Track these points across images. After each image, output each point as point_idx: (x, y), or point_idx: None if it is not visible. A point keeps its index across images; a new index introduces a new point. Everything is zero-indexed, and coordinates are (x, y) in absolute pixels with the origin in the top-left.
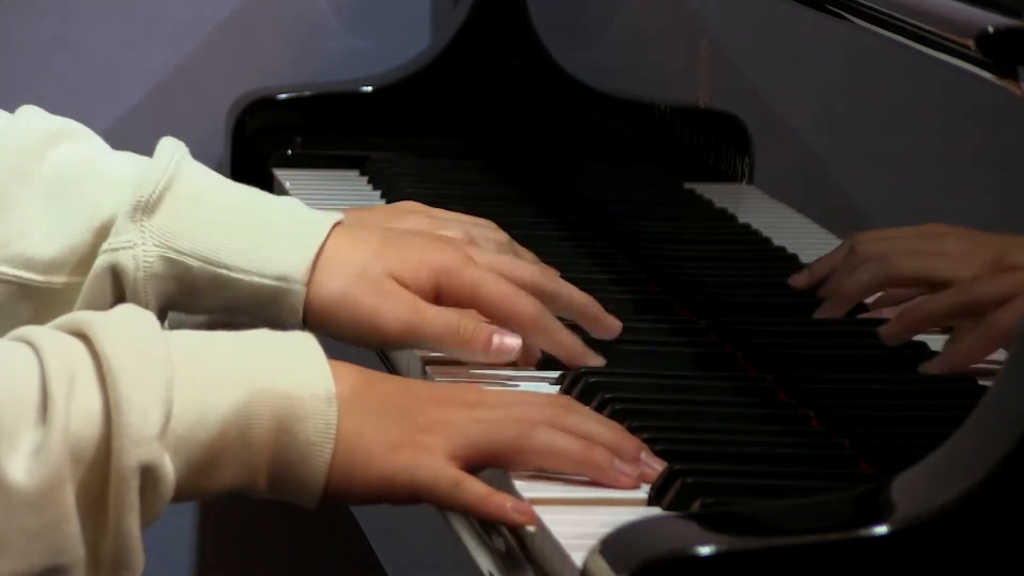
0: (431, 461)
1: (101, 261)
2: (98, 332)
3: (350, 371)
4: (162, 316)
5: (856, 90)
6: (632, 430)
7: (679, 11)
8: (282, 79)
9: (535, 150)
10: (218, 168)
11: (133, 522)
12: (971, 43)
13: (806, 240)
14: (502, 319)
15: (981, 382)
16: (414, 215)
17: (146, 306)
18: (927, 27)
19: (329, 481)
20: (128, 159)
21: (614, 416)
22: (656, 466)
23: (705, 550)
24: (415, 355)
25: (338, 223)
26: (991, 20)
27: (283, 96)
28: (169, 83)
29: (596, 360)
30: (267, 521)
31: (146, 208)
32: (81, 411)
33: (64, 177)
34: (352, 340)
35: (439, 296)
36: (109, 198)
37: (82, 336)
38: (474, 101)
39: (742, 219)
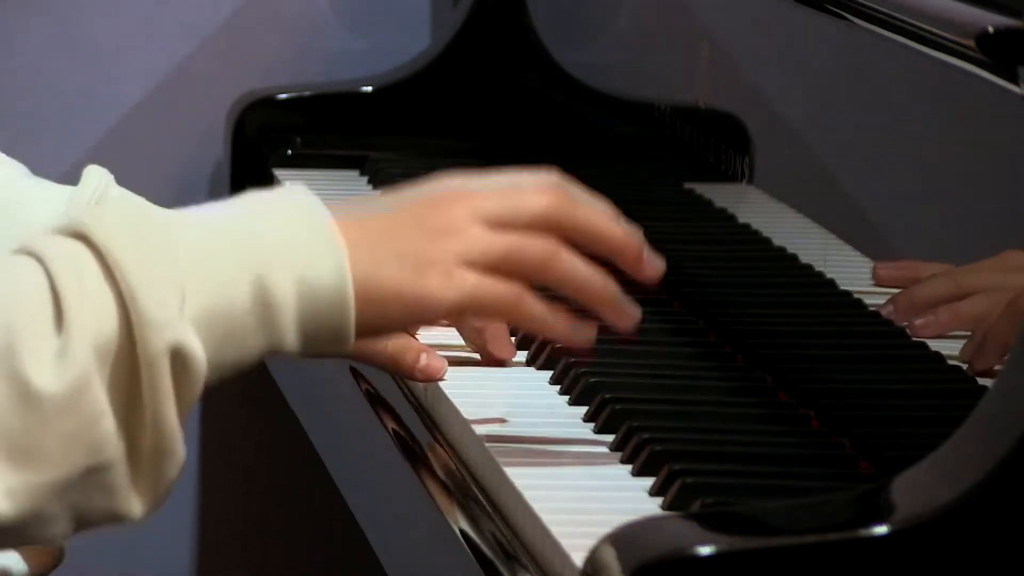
0: (469, 276)
1: None
2: (94, 229)
3: (346, 210)
4: None
5: (856, 90)
6: (632, 430)
7: (679, 11)
8: (282, 79)
9: (535, 150)
10: (218, 168)
11: (170, 408)
12: (971, 43)
13: (806, 240)
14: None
15: (981, 382)
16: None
17: None
18: (927, 27)
19: (360, 318)
20: (50, 184)
21: (614, 416)
22: (657, 264)
23: (705, 550)
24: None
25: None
26: (991, 20)
27: (283, 96)
28: (169, 83)
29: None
30: (267, 521)
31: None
32: (96, 309)
33: None
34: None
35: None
36: (42, 216)
37: (80, 236)
38: (474, 101)
39: (742, 219)
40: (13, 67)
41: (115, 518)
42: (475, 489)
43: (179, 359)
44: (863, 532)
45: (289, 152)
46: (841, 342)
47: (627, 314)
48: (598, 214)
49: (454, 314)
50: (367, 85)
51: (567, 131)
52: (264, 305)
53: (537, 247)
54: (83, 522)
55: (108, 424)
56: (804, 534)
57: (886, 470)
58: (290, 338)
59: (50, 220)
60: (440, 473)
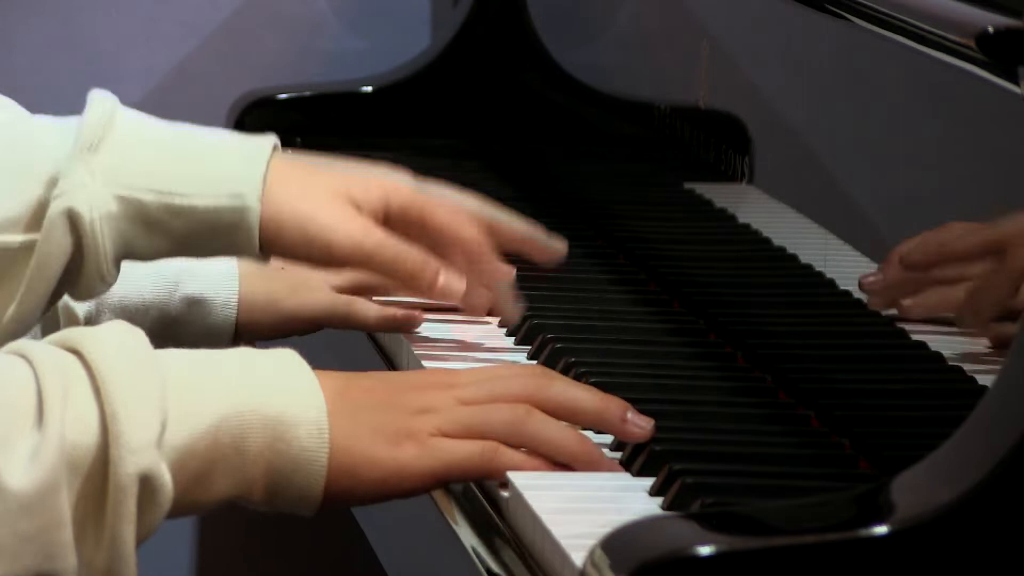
0: (443, 442)
1: (55, 207)
2: (89, 345)
3: (330, 376)
4: (118, 261)
5: (856, 90)
6: None
7: (679, 11)
8: (282, 79)
9: (535, 150)
10: None
11: (129, 533)
12: (971, 43)
13: (806, 240)
14: (447, 242)
15: (981, 382)
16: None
17: (103, 252)
18: (927, 27)
19: (330, 484)
20: (57, 119)
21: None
22: (644, 424)
23: (705, 550)
24: (413, 353)
25: (276, 146)
26: (991, 20)
27: (283, 96)
28: (169, 83)
29: (516, 310)
30: (267, 521)
31: (90, 148)
32: (77, 420)
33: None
34: (301, 257)
35: (387, 218)
36: (52, 149)
37: (74, 351)
38: (474, 101)
39: (742, 219)
40: (13, 67)
41: None
42: (475, 489)
43: (148, 486)
44: (863, 532)
45: (289, 152)
46: (841, 342)
47: (602, 463)
48: (574, 388)
49: (430, 484)
50: (367, 85)
51: (567, 131)
52: (239, 455)
53: (506, 411)
54: None
55: (66, 535)
56: (804, 534)
57: (886, 470)
58: (257, 492)
59: (57, 157)
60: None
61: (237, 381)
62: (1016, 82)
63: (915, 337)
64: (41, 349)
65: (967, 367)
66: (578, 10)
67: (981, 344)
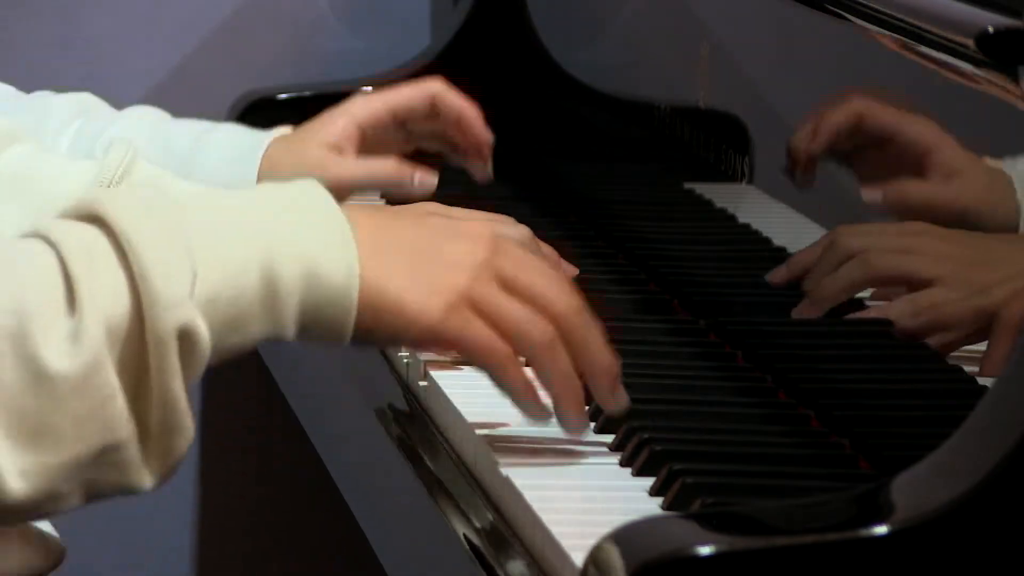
0: (469, 320)
1: None
2: (110, 210)
3: (362, 212)
4: None
5: (856, 90)
6: (632, 430)
7: (679, 11)
8: (282, 79)
9: (535, 150)
10: None
11: (178, 386)
12: (971, 43)
13: (806, 240)
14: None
15: (981, 382)
16: (433, 217)
17: None
18: (927, 27)
19: (360, 323)
20: (78, 158)
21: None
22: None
23: (705, 550)
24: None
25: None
26: (991, 20)
27: (283, 96)
28: (169, 83)
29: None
30: (267, 520)
31: (109, 185)
32: (108, 289)
33: (19, 176)
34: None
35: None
36: (69, 186)
37: (94, 219)
38: (474, 101)
39: (742, 219)
40: (13, 67)
41: (126, 491)
42: (475, 489)
43: (187, 339)
44: (863, 532)
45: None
46: (841, 342)
47: (582, 423)
48: (600, 339)
49: (442, 345)
50: (367, 85)
51: (567, 131)
52: (271, 294)
53: (539, 335)
54: (94, 496)
55: (119, 403)
56: (804, 534)
57: (886, 470)
58: (290, 329)
59: (75, 194)
60: (440, 473)
61: (264, 222)
62: (1016, 82)
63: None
64: (62, 227)
65: (967, 367)
66: (578, 10)
67: (981, 345)
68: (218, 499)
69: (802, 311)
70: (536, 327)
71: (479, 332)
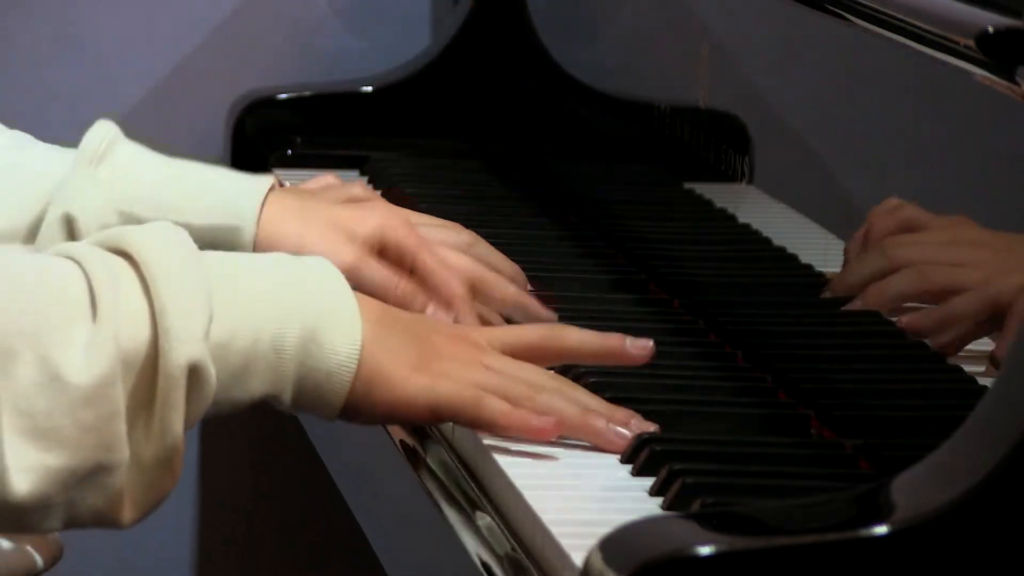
0: (449, 382)
1: (52, 212)
2: (136, 243)
3: (369, 300)
4: None
5: (856, 90)
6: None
7: (679, 11)
8: (282, 79)
9: (535, 150)
10: None
11: (178, 422)
12: (971, 43)
13: (806, 240)
14: (431, 286)
15: (981, 382)
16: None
17: None
18: (927, 27)
19: (351, 396)
20: (58, 147)
21: None
22: (647, 427)
23: (705, 550)
24: None
25: (272, 186)
26: (991, 20)
27: (283, 96)
28: (169, 83)
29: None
30: (267, 521)
31: (91, 163)
32: (127, 314)
33: (1, 159)
34: None
35: (381, 252)
36: (53, 170)
37: (120, 251)
38: (474, 101)
39: (742, 219)
40: (13, 67)
41: (104, 521)
42: (475, 489)
43: (195, 377)
44: (863, 532)
45: (289, 152)
46: (841, 342)
47: (602, 433)
48: (594, 402)
49: (427, 418)
50: (367, 85)
51: (567, 131)
52: (276, 355)
53: (521, 389)
54: (73, 520)
55: (121, 426)
56: (804, 534)
57: (886, 470)
58: (287, 393)
59: (55, 176)
60: (440, 473)
61: (278, 282)
62: (1016, 82)
63: (915, 337)
64: (88, 250)
65: (967, 367)
66: (578, 10)
67: (981, 344)
68: (218, 499)
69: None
70: (517, 390)
71: (452, 389)
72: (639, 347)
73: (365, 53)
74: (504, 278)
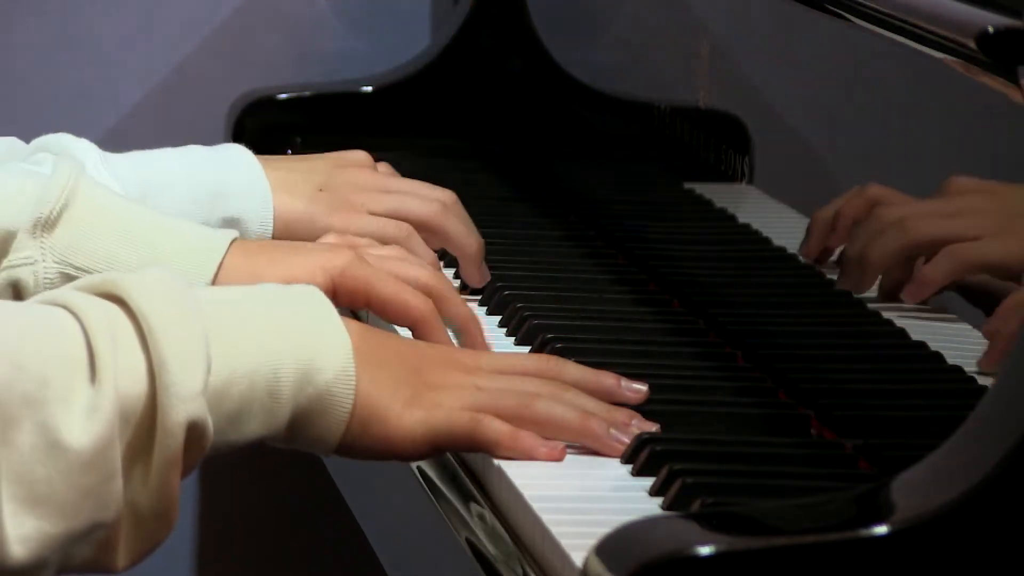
0: (442, 411)
1: (1, 277)
2: (132, 292)
3: (356, 325)
4: None
5: (856, 90)
6: None
7: (679, 11)
8: (282, 79)
9: (535, 150)
10: None
11: (176, 477)
12: (971, 43)
13: None
14: (395, 314)
15: (981, 382)
16: (359, 170)
17: None
18: (927, 27)
19: (347, 435)
20: (26, 174)
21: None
22: (648, 427)
23: (705, 550)
24: None
25: (235, 239)
26: (991, 20)
27: (283, 96)
28: (169, 83)
29: None
30: (267, 521)
31: (46, 225)
32: (126, 371)
33: None
34: None
35: (335, 297)
36: (6, 213)
37: (114, 298)
38: (474, 101)
39: (742, 219)
40: (13, 67)
41: (97, 569)
42: (475, 489)
43: (194, 432)
44: (863, 532)
45: (289, 152)
46: (841, 342)
47: (603, 440)
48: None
49: (426, 451)
50: (367, 85)
51: (567, 131)
52: (271, 397)
53: (512, 398)
54: (64, 569)
55: (118, 484)
56: (804, 534)
57: (886, 470)
58: (283, 432)
59: (13, 219)
60: (440, 473)
61: (271, 324)
62: (1016, 82)
63: (915, 337)
64: (84, 300)
65: (967, 367)
66: (578, 10)
67: (981, 344)
68: (218, 499)
69: (844, 284)
70: (508, 400)
71: (450, 417)
72: (633, 390)
73: (365, 53)
74: (459, 297)
